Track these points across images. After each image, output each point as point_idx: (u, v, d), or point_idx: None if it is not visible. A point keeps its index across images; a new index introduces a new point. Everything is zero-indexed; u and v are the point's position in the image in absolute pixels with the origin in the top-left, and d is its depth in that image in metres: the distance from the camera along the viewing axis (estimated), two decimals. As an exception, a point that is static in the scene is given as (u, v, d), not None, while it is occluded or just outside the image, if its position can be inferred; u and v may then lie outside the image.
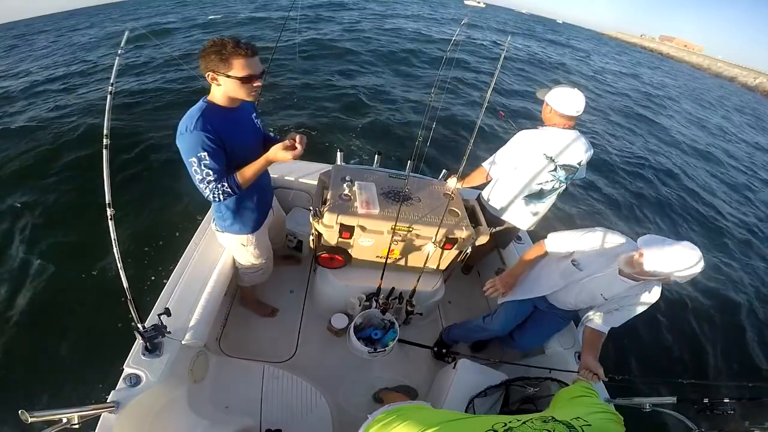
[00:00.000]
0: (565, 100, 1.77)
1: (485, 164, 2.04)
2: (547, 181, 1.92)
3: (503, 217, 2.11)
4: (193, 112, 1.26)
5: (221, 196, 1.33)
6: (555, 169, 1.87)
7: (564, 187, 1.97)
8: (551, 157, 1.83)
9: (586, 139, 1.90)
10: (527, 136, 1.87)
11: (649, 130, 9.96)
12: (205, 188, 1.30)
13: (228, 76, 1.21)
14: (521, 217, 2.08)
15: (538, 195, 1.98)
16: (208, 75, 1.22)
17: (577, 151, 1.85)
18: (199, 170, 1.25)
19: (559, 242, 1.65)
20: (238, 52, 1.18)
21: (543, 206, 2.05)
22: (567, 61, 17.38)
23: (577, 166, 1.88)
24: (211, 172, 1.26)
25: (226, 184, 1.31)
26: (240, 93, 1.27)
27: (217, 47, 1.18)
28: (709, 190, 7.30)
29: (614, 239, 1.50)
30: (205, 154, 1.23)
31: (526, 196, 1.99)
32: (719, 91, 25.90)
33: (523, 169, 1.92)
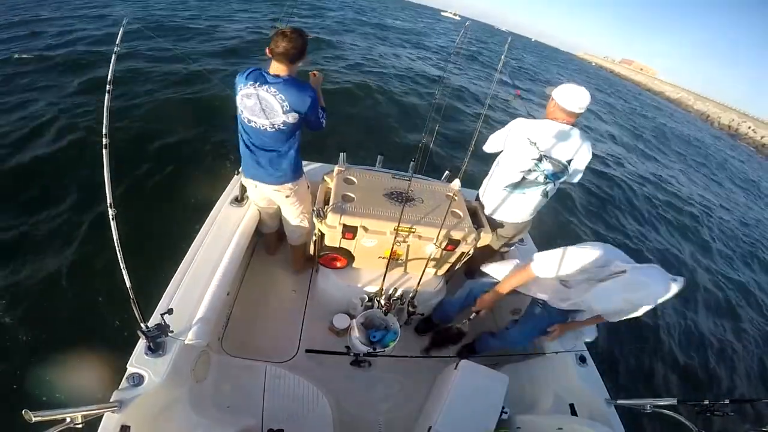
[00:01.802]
0: (568, 94, 1.76)
1: (484, 147, 2.06)
2: (529, 170, 1.87)
3: (487, 210, 2.08)
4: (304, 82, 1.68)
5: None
6: (540, 159, 1.82)
7: (551, 185, 1.91)
8: (535, 143, 1.80)
9: (587, 140, 1.85)
10: (520, 121, 1.88)
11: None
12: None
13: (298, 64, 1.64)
14: (503, 207, 2.03)
15: (520, 184, 1.92)
16: (286, 60, 1.56)
17: (567, 148, 1.80)
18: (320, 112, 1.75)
19: (547, 265, 1.53)
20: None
21: (525, 199, 1.96)
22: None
23: (566, 163, 1.83)
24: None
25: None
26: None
27: (295, 40, 1.52)
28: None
29: (605, 258, 1.45)
30: None
31: (507, 185, 1.96)
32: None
33: (508, 153, 1.92)
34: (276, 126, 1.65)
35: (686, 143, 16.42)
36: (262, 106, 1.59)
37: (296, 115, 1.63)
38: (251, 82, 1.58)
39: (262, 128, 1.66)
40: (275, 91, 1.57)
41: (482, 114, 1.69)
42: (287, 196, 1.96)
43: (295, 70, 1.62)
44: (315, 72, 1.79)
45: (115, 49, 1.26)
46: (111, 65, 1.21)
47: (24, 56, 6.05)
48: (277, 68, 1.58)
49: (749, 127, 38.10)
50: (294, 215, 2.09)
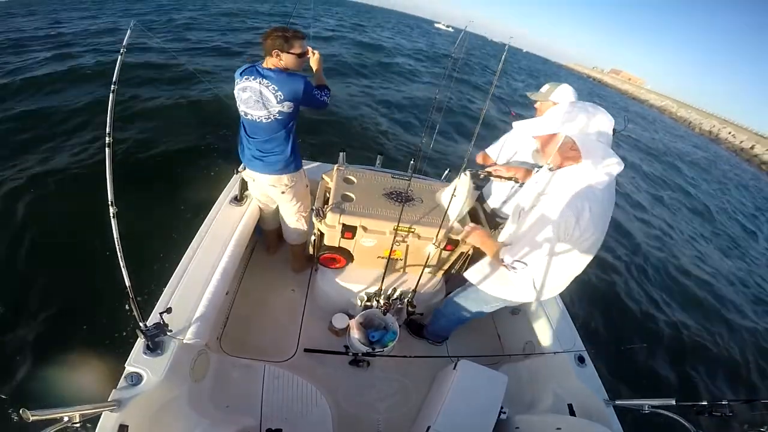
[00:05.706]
0: None
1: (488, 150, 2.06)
2: (528, 162, 1.88)
3: (491, 203, 2.06)
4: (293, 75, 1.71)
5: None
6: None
7: None
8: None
9: None
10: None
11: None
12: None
13: (289, 53, 1.64)
14: (505, 199, 2.01)
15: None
16: (274, 53, 1.61)
17: None
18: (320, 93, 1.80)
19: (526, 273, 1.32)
20: (297, 35, 1.62)
21: (516, 193, 1.92)
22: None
23: None
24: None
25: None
26: (296, 66, 1.69)
27: (280, 32, 1.59)
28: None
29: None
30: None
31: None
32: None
33: (512, 142, 1.94)
34: (272, 116, 1.71)
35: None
36: (257, 97, 1.67)
37: (291, 104, 1.70)
38: (246, 76, 1.68)
39: (257, 120, 1.73)
40: (268, 83, 1.65)
41: (480, 116, 1.69)
42: (283, 192, 1.96)
43: (287, 63, 1.67)
44: (314, 51, 1.80)
45: (121, 51, 1.26)
46: (117, 66, 1.21)
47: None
48: (269, 62, 1.69)
49: (729, 133, 39.82)
50: (291, 213, 2.09)
